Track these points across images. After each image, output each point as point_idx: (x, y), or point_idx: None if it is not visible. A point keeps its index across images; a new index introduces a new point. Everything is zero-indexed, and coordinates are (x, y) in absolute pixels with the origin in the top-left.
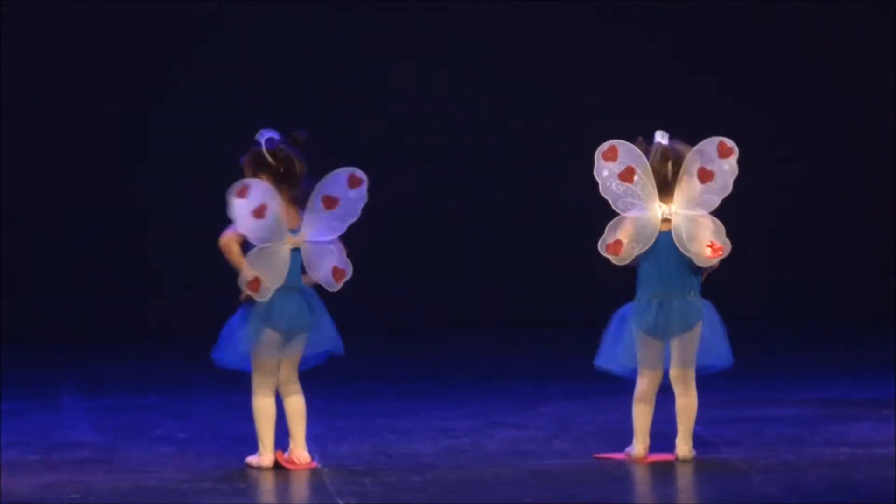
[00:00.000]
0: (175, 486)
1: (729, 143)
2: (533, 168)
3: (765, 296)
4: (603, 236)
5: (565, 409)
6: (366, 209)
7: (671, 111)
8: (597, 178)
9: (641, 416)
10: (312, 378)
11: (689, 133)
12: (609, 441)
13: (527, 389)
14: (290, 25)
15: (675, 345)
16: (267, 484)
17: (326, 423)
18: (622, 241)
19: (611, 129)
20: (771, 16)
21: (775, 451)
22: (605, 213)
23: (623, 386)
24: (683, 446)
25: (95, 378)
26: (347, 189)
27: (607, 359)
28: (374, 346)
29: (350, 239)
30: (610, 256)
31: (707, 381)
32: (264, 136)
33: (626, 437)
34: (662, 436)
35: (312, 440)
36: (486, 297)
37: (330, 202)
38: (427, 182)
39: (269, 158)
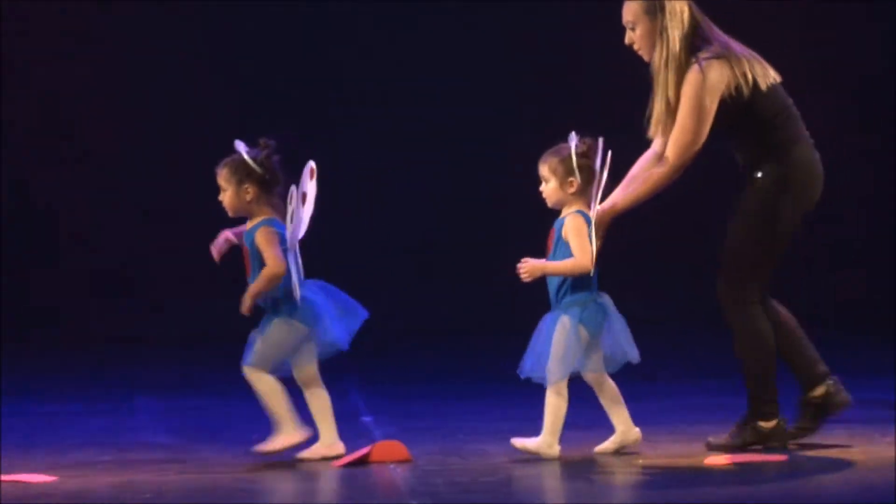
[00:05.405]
0: (248, 486)
1: None
2: None
3: (825, 298)
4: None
5: (634, 410)
6: (415, 211)
7: None
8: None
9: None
10: (381, 380)
11: None
12: (665, 442)
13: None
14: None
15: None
16: (341, 483)
17: (399, 424)
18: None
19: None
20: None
21: (844, 450)
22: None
23: (670, 387)
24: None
25: (168, 380)
26: (310, 182)
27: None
28: (440, 347)
29: (406, 239)
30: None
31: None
32: (241, 145)
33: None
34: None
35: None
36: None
37: (304, 199)
38: (477, 177)
39: (256, 167)
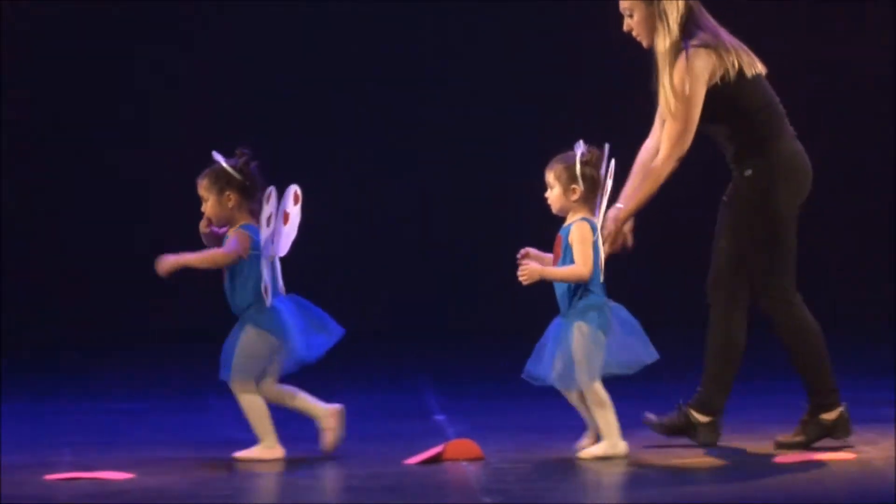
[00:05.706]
0: (324, 484)
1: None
2: None
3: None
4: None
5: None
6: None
7: None
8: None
9: None
10: (448, 380)
11: None
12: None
13: (665, 388)
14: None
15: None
16: (414, 482)
17: (469, 422)
18: None
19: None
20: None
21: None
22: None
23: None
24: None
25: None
26: (293, 206)
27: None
28: (504, 346)
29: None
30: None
31: (840, 380)
32: (218, 155)
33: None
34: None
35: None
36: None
37: (286, 218)
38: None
39: (236, 174)
